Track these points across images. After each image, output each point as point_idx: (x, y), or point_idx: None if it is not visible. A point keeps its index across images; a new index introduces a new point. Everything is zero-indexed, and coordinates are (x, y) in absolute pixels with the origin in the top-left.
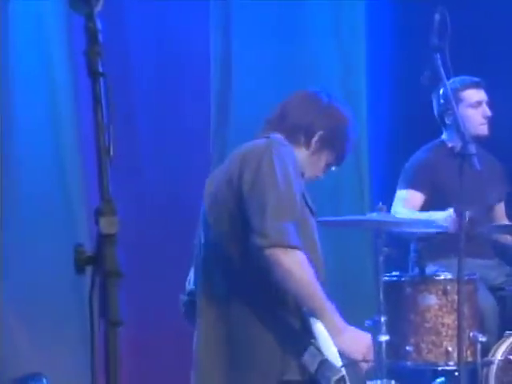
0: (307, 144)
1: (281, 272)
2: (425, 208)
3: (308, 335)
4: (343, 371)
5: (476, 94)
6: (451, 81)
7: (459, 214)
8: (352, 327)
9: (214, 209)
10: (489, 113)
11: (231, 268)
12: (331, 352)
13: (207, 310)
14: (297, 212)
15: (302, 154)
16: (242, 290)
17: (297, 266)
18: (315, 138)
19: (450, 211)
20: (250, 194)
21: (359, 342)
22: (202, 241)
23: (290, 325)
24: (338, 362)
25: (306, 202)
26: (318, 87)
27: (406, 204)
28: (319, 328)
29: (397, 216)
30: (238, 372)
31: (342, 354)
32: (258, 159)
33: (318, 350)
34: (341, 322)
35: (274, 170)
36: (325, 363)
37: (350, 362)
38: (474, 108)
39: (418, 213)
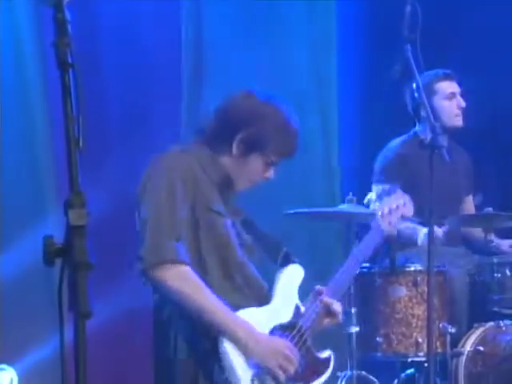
0: (229, 150)
1: (165, 289)
2: None
3: (215, 355)
4: None
5: (450, 86)
6: (425, 74)
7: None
8: (265, 336)
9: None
10: (463, 104)
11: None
12: (233, 372)
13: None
14: (178, 228)
15: (226, 159)
16: (166, 306)
17: (180, 281)
18: (235, 143)
19: (422, 232)
20: (137, 213)
21: (272, 351)
22: None
23: (202, 343)
24: (240, 381)
25: (209, 206)
26: (251, 87)
27: None
28: (224, 346)
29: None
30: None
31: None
32: (148, 173)
33: (222, 370)
34: (247, 333)
35: (155, 185)
36: (228, 383)
37: (262, 371)
38: (449, 99)
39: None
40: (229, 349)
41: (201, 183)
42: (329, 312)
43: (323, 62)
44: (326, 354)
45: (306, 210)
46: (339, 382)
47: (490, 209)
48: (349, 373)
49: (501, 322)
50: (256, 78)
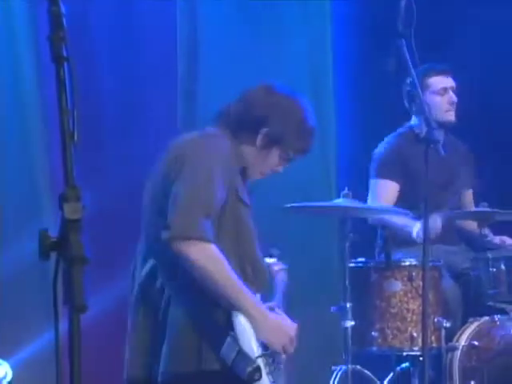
0: (252, 141)
1: (189, 264)
2: (398, 196)
3: (228, 327)
4: (258, 362)
5: (442, 81)
6: (419, 68)
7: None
8: (278, 317)
9: (149, 204)
10: (454, 99)
11: (161, 261)
12: (248, 343)
13: (143, 300)
14: (211, 207)
15: (248, 149)
16: (172, 281)
17: (205, 259)
18: (260, 136)
19: (416, 226)
20: (173, 187)
21: (280, 333)
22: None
23: (212, 316)
24: (254, 352)
25: (239, 196)
26: (271, 80)
27: (382, 195)
28: (239, 319)
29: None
30: (156, 359)
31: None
32: (187, 152)
33: (236, 341)
34: (261, 313)
35: (195, 163)
36: (240, 354)
37: (268, 353)
38: (440, 95)
39: (395, 217)
40: (243, 321)
41: (233, 170)
42: None
43: (319, 60)
44: None
45: (301, 204)
46: (334, 375)
47: (486, 204)
48: (344, 367)
49: (495, 316)
50: (251, 76)
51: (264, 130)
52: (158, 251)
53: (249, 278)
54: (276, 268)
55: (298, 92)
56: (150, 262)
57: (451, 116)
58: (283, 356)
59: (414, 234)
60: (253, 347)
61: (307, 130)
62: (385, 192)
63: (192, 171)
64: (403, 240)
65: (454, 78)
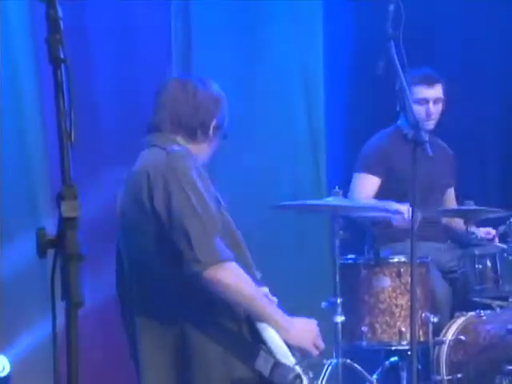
0: (205, 138)
1: (221, 288)
2: (381, 193)
3: (257, 341)
4: (297, 369)
5: (423, 92)
6: (410, 72)
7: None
8: (296, 318)
9: (129, 230)
10: (432, 111)
11: (167, 288)
12: (283, 353)
13: (148, 326)
14: (217, 224)
15: (202, 148)
16: (183, 307)
17: (233, 279)
18: (210, 130)
19: (405, 208)
20: (171, 225)
21: (306, 331)
22: (125, 255)
23: (237, 334)
24: (290, 361)
25: (219, 201)
26: (184, 74)
27: (363, 188)
28: (268, 331)
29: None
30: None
31: (294, 349)
32: (164, 180)
33: (270, 353)
34: (285, 319)
35: (185, 192)
36: (278, 365)
37: (302, 357)
38: (420, 104)
39: (375, 201)
40: (273, 333)
41: (205, 177)
42: None
43: (310, 60)
44: None
45: (292, 202)
46: (325, 369)
47: (471, 202)
48: (335, 361)
49: (481, 311)
50: (243, 75)
51: (212, 124)
52: (167, 280)
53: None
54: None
55: (291, 92)
56: (154, 290)
57: (429, 125)
58: (316, 352)
59: (394, 222)
60: (288, 356)
61: (225, 100)
62: (365, 185)
63: (186, 202)
64: (391, 236)
65: (445, 87)
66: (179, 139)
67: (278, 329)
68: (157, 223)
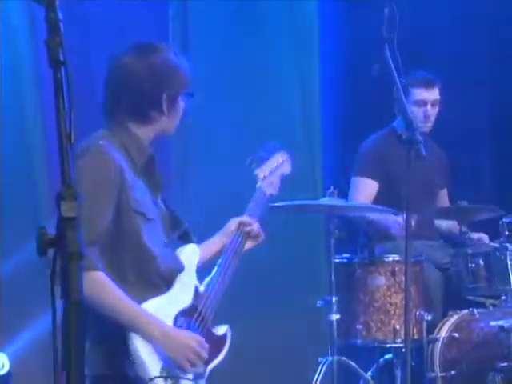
0: (160, 112)
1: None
2: (379, 196)
3: (123, 352)
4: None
5: (421, 94)
6: (408, 74)
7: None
8: (176, 332)
9: None
10: (430, 113)
11: None
12: (142, 365)
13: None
14: (93, 231)
15: (161, 122)
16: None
17: (94, 289)
18: (164, 104)
19: (399, 218)
20: None
21: (183, 347)
22: None
23: (114, 341)
24: (148, 375)
25: (134, 209)
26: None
27: (362, 192)
28: (134, 341)
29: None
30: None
31: (170, 362)
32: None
33: (132, 364)
34: (161, 332)
35: (81, 188)
36: (137, 379)
37: (170, 366)
38: (418, 106)
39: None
40: (139, 345)
41: (126, 179)
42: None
43: (306, 59)
44: (222, 330)
45: (287, 203)
46: (321, 367)
47: (465, 202)
48: (330, 358)
49: (474, 309)
50: (241, 76)
51: (164, 97)
52: None
53: (155, 284)
54: (281, 159)
55: (287, 93)
56: None
57: (426, 128)
58: (189, 368)
59: (392, 230)
60: (149, 369)
61: (182, 66)
62: (365, 190)
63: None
64: (385, 235)
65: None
66: (131, 125)
67: (149, 340)
68: None
